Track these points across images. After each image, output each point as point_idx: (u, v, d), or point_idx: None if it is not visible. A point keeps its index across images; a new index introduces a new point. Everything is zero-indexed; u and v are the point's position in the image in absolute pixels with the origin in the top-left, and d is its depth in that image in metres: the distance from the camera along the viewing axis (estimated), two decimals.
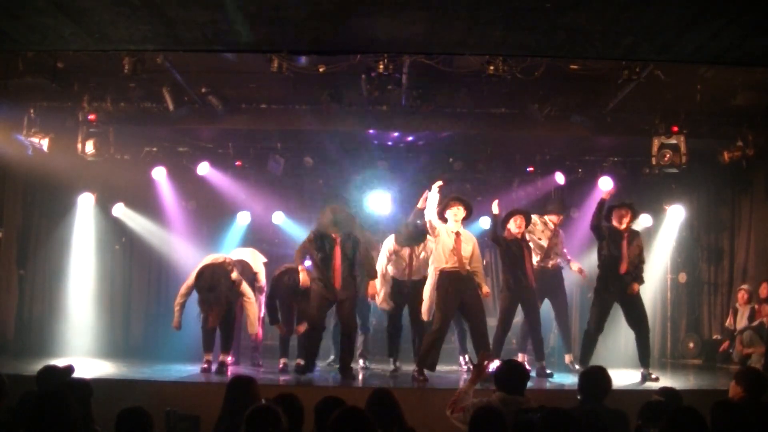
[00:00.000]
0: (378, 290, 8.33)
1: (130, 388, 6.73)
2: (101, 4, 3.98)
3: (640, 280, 8.12)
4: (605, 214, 8.12)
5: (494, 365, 5.58)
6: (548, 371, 8.20)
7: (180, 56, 7.80)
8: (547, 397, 6.34)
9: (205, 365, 8.04)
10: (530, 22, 4.15)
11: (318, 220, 8.16)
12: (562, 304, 8.87)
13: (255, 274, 8.73)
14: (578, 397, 4.65)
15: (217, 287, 7.84)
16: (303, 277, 7.88)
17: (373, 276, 8.04)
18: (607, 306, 8.12)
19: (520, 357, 8.59)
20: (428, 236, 8.00)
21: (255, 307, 8.26)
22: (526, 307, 8.22)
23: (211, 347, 8.16)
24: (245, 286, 8.18)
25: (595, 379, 4.66)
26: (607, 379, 4.64)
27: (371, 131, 9.93)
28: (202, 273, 7.96)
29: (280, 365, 8.34)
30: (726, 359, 9.64)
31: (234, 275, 8.04)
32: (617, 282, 8.01)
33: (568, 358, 8.84)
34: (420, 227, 8.09)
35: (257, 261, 8.90)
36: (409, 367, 8.15)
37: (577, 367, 8.52)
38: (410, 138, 10.21)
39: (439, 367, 8.73)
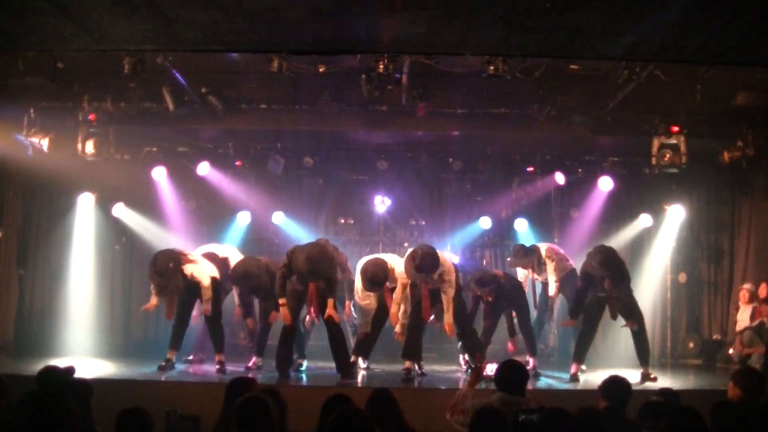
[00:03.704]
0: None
1: (130, 388, 6.73)
2: (101, 4, 3.99)
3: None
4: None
5: (492, 368, 5.58)
6: (537, 371, 8.21)
7: (180, 56, 7.80)
8: (548, 398, 6.34)
9: (164, 363, 7.98)
10: (530, 22, 4.16)
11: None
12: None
13: None
14: (602, 402, 4.61)
15: (166, 272, 7.83)
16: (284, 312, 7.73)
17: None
18: (593, 305, 8.07)
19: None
20: None
21: (209, 291, 8.11)
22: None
23: (173, 345, 8.13)
24: (199, 273, 8.09)
25: (618, 386, 4.69)
26: (628, 386, 4.67)
27: (371, 131, 9.93)
28: (154, 258, 7.99)
29: (250, 363, 8.34)
30: (726, 359, 9.64)
31: (187, 265, 8.00)
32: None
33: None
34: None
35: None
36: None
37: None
38: (410, 138, 10.20)
39: (439, 367, 8.77)
